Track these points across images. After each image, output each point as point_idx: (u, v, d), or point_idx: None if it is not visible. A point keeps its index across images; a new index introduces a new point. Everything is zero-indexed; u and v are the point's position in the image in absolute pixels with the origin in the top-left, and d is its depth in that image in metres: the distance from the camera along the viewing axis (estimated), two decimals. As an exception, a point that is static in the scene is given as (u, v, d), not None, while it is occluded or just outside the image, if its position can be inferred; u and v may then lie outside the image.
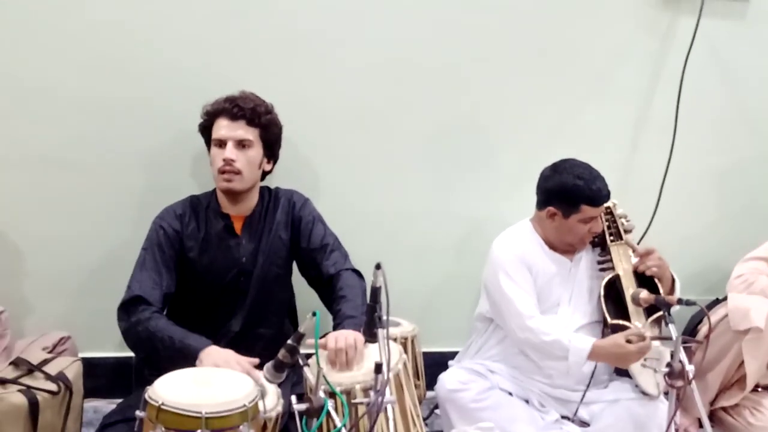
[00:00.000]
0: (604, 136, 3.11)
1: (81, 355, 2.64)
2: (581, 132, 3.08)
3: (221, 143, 2.44)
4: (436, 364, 2.83)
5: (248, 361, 2.18)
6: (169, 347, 2.22)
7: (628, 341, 2.41)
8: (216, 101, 2.49)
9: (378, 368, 1.86)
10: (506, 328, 2.62)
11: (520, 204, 2.77)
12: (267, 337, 2.51)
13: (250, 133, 2.45)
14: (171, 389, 1.83)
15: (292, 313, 2.71)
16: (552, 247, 2.68)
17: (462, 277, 3.07)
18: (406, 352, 2.43)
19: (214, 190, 2.56)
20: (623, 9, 3.06)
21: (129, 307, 2.33)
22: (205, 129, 2.51)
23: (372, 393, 1.89)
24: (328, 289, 2.51)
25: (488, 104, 3.03)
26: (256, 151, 2.48)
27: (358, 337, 2.18)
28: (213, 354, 2.19)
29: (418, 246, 3.06)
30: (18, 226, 2.74)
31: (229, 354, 2.20)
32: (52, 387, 2.21)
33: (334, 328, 2.32)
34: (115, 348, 2.81)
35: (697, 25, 3.06)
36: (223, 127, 2.44)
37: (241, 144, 2.44)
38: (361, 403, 2.03)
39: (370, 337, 1.94)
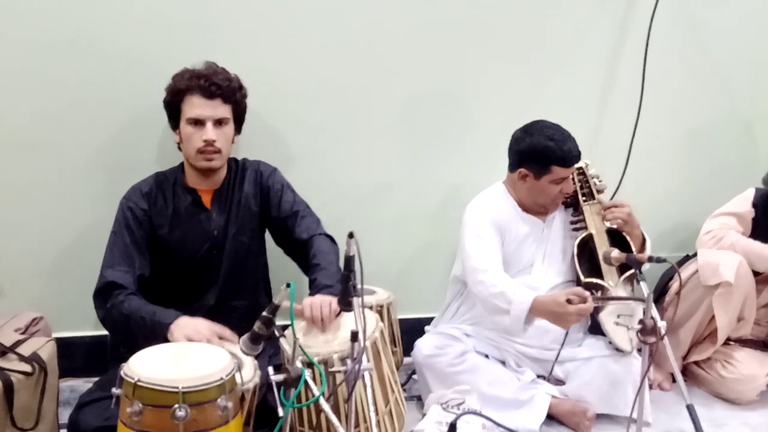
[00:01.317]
0: (574, 100, 3.11)
1: (55, 335, 2.63)
2: (553, 96, 3.08)
3: (198, 122, 2.39)
4: (412, 330, 2.85)
5: (221, 328, 2.19)
6: (143, 327, 2.21)
7: (569, 301, 2.39)
8: (182, 76, 2.41)
9: (354, 336, 1.86)
10: (468, 285, 2.63)
11: (495, 170, 2.78)
12: (242, 309, 2.50)
13: (226, 111, 2.42)
14: (147, 365, 1.83)
15: (267, 284, 2.70)
16: (525, 208, 2.70)
17: (438, 243, 3.08)
18: (382, 319, 2.43)
19: (181, 165, 2.53)
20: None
21: (104, 293, 2.32)
22: (173, 105, 2.43)
23: (349, 361, 1.89)
24: (303, 255, 2.50)
25: (460, 73, 3.01)
26: (231, 127, 2.46)
27: (332, 300, 2.19)
28: (182, 325, 2.19)
29: (394, 214, 3.06)
30: (-16, 209, 2.70)
31: (198, 321, 2.20)
32: (26, 368, 2.19)
33: None
34: (89, 327, 2.79)
35: (662, -18, 3.06)
36: (198, 106, 2.38)
37: (218, 122, 2.40)
38: (339, 372, 2.03)
39: (346, 305, 1.93)
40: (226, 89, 2.41)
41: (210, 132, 2.37)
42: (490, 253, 2.60)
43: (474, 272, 2.57)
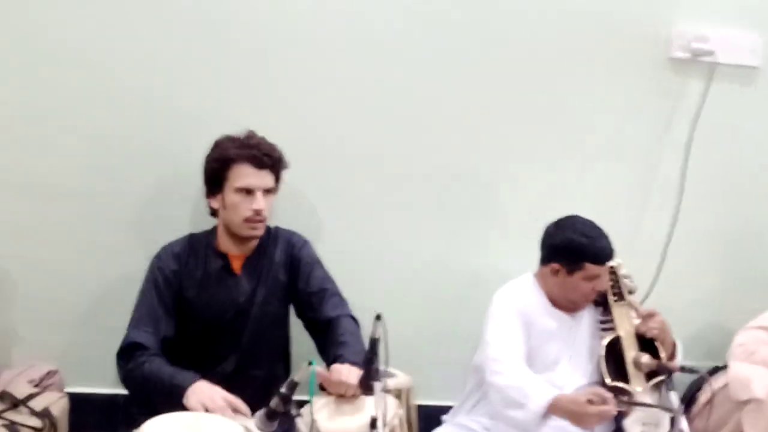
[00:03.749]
0: (609, 195, 3.10)
1: (68, 389, 2.61)
2: (587, 190, 3.07)
3: (248, 191, 2.40)
4: (429, 418, 2.77)
5: (237, 400, 2.14)
6: (161, 389, 2.19)
7: (590, 402, 2.32)
8: (231, 144, 2.43)
9: (374, 423, 1.82)
10: (484, 374, 2.57)
11: (522, 259, 2.74)
12: (260, 379, 2.47)
13: (272, 181, 2.46)
14: (159, 435, 1.79)
15: (286, 356, 2.67)
16: (554, 303, 2.65)
17: (460, 329, 3.01)
18: (400, 404, 2.38)
19: (214, 228, 2.54)
20: (633, 70, 3.06)
21: (126, 353, 2.31)
22: (218, 172, 2.43)
23: (366, 448, 1.84)
24: (326, 333, 2.47)
25: (495, 157, 3.02)
26: (274, 197, 2.50)
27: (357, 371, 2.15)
28: (198, 391, 2.15)
29: (418, 296, 3.03)
30: (13, 253, 2.69)
31: (214, 390, 2.16)
32: (37, 423, 2.18)
33: None
34: (104, 384, 2.76)
35: (707, 89, 3.07)
36: (249, 175, 2.40)
37: (267, 191, 2.44)
38: (355, 456, 1.98)
39: (367, 389, 1.90)
40: (276, 161, 2.45)
41: (260, 201, 2.39)
42: (512, 344, 2.54)
43: (493, 362, 2.51)
